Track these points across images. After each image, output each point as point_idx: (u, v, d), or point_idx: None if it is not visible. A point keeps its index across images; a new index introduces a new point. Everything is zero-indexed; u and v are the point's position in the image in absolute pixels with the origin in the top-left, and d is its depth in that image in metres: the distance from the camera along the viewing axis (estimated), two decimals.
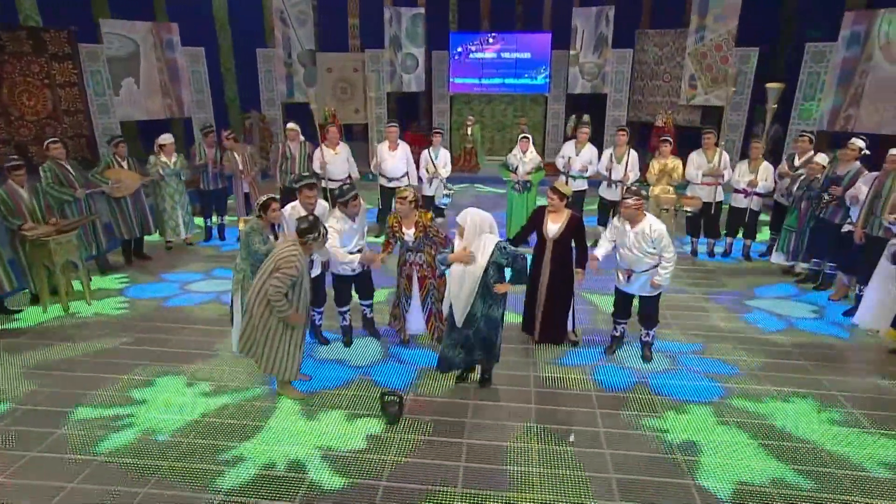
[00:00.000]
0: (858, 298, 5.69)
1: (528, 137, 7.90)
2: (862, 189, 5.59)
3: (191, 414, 4.20)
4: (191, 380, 4.66)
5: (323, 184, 7.84)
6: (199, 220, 8.34)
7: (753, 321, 5.74)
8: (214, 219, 8.22)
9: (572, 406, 4.36)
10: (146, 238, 7.54)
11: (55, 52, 9.96)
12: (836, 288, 6.28)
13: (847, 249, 5.97)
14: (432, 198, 8.43)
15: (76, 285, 6.17)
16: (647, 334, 5.00)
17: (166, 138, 7.53)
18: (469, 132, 13.05)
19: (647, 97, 13.18)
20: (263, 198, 4.62)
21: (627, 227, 4.59)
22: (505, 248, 4.10)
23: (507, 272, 4.30)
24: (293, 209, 4.85)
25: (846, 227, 5.80)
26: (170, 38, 11.23)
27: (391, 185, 7.95)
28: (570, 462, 3.72)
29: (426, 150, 8.35)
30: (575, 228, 4.81)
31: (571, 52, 13.08)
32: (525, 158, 7.75)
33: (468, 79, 14.07)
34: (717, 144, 7.32)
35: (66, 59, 10.08)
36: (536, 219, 4.96)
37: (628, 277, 4.74)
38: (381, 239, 8.13)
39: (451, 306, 4.30)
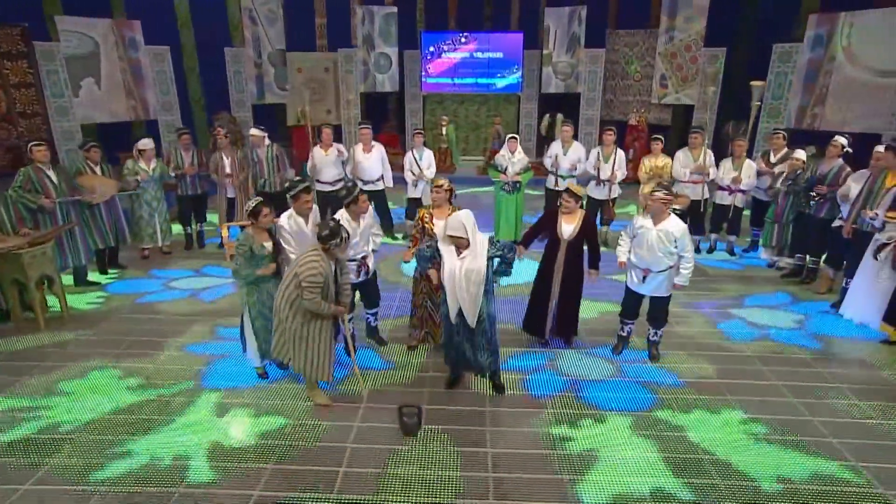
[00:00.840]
0: (844, 291, 5.89)
1: (515, 138, 7.88)
2: (853, 187, 5.77)
3: (106, 407, 4.25)
4: (125, 374, 4.70)
5: (318, 187, 7.66)
6: (176, 227, 7.96)
7: (725, 330, 5.57)
8: (194, 225, 7.86)
9: (493, 407, 4.30)
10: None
11: (8, 51, 9.37)
12: (821, 281, 6.48)
13: (831, 243, 6.18)
14: (419, 200, 8.29)
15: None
16: (656, 333, 5.03)
17: (146, 143, 7.16)
18: (444, 132, 12.98)
19: (619, 96, 13.39)
20: (252, 203, 4.35)
21: (650, 224, 4.61)
22: (497, 241, 4.26)
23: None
24: (289, 218, 4.65)
25: (837, 223, 5.98)
26: (132, 37, 10.72)
27: (367, 188, 7.78)
28: (448, 461, 3.71)
29: (410, 152, 8.21)
30: (589, 229, 4.82)
31: (545, 52, 13.17)
32: (514, 159, 7.72)
33: (441, 78, 13.98)
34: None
35: (21, 58, 9.49)
36: (549, 221, 4.94)
37: (644, 278, 4.75)
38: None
39: (459, 310, 4.21)
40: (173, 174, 7.32)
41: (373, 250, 4.87)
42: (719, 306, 6.13)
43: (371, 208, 4.87)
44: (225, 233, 6.98)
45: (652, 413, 4.27)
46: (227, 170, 7.39)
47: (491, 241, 4.19)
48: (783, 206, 6.65)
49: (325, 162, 7.60)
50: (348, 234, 4.06)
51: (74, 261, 6.30)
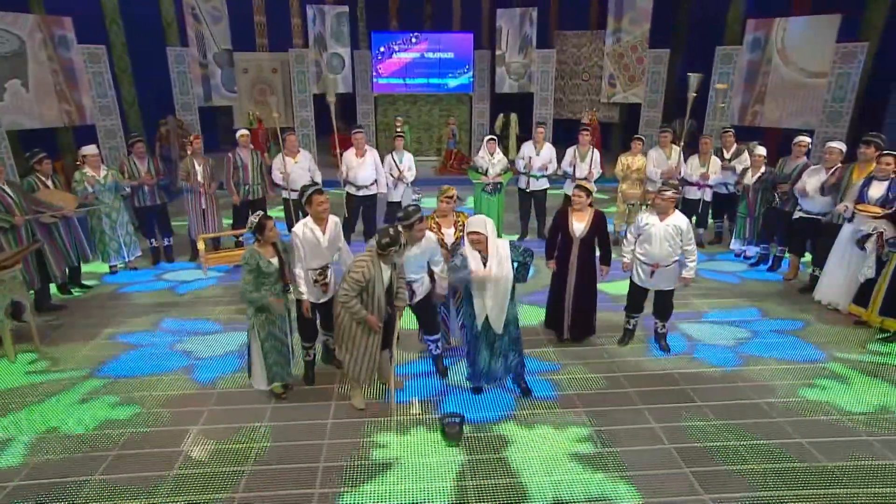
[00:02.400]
0: (814, 279, 6.35)
1: (494, 139, 7.90)
2: (807, 181, 6.21)
3: None
4: (36, 359, 4.88)
5: (285, 194, 7.34)
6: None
7: (652, 345, 5.23)
8: (159, 238, 7.32)
9: (333, 420, 4.13)
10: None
11: None
12: (790, 269, 6.96)
13: (796, 234, 6.65)
14: (399, 203, 8.13)
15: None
16: (663, 326, 5.19)
17: (90, 149, 6.60)
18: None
19: (569, 95, 13.77)
20: (256, 218, 4.09)
21: (656, 220, 4.76)
22: (518, 245, 4.24)
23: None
24: (304, 226, 4.41)
25: (797, 214, 6.42)
26: (62, 35, 9.77)
27: (359, 193, 7.58)
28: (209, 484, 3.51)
29: (390, 155, 8.07)
30: (600, 225, 4.90)
31: (498, 52, 13.32)
32: (494, 160, 7.75)
33: (392, 79, 13.81)
34: (673, 141, 7.82)
35: None
36: (560, 220, 4.99)
37: (652, 273, 4.89)
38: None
39: (486, 318, 4.18)
40: (128, 187, 6.77)
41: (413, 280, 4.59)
42: (673, 322, 5.48)
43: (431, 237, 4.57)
44: (201, 245, 6.55)
45: (495, 425, 4.07)
46: (200, 178, 6.92)
47: (513, 246, 4.17)
48: (754, 201, 7.08)
49: (295, 169, 7.24)
50: (405, 242, 4.02)
51: (40, 283, 5.71)
